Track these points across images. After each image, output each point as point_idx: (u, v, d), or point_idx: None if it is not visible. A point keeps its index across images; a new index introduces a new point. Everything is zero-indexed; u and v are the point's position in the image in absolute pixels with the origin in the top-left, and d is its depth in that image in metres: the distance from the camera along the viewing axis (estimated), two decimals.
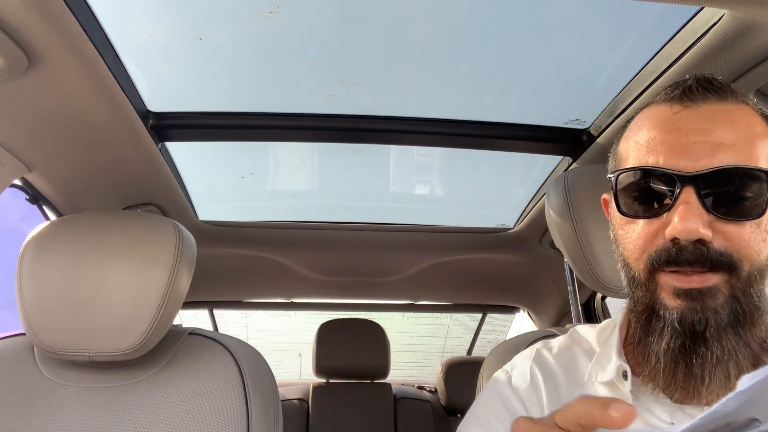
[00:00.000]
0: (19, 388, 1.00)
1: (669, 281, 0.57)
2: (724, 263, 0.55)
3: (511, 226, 1.85)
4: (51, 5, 0.77)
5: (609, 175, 0.64)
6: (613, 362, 0.65)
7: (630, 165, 0.62)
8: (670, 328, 0.57)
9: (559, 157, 1.46)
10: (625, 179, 0.61)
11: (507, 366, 0.77)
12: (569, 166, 1.41)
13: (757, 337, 0.57)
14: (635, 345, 0.63)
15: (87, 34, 0.86)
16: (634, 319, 0.63)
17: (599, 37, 1.12)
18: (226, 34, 1.10)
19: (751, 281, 0.56)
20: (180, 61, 1.17)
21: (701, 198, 0.55)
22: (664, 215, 0.57)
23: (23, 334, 1.04)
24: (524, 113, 1.34)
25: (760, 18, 0.78)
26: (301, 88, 1.28)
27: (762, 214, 0.56)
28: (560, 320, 2.12)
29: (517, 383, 0.72)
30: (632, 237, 0.61)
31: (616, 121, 1.18)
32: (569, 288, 1.42)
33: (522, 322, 2.71)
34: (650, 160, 0.59)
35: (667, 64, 0.99)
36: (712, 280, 0.56)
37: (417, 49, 1.16)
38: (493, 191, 1.84)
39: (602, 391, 0.67)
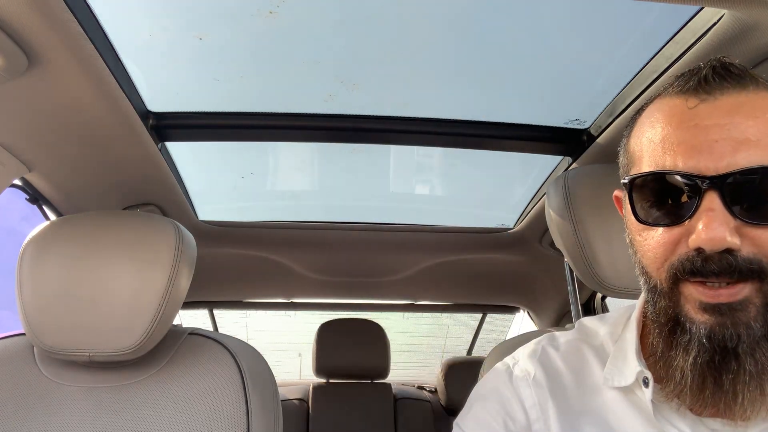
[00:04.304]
0: (19, 388, 1.00)
1: (694, 293, 0.52)
2: (754, 271, 0.50)
3: (511, 227, 1.85)
4: (51, 5, 0.77)
5: (623, 180, 0.59)
6: (633, 366, 0.61)
7: (645, 165, 0.57)
8: (697, 344, 0.52)
9: (559, 157, 1.46)
10: (640, 184, 0.56)
11: (508, 360, 0.74)
12: (569, 166, 1.41)
13: None
14: (656, 357, 0.58)
15: (87, 34, 0.86)
16: (656, 330, 0.58)
17: (599, 37, 1.11)
18: (226, 34, 1.10)
19: None
20: (180, 61, 1.17)
21: (726, 203, 0.50)
22: (686, 222, 0.52)
23: (23, 334, 1.04)
24: (524, 113, 1.34)
25: (760, 18, 0.78)
26: (301, 88, 1.28)
27: None
28: (560, 320, 2.12)
29: (517, 381, 0.69)
30: (651, 245, 0.56)
31: (616, 121, 1.18)
32: (569, 288, 1.42)
33: (522, 322, 2.71)
34: (667, 162, 0.54)
35: (667, 64, 0.99)
36: (743, 292, 0.51)
37: (417, 49, 1.16)
38: (493, 191, 1.84)
39: (618, 397, 0.63)
